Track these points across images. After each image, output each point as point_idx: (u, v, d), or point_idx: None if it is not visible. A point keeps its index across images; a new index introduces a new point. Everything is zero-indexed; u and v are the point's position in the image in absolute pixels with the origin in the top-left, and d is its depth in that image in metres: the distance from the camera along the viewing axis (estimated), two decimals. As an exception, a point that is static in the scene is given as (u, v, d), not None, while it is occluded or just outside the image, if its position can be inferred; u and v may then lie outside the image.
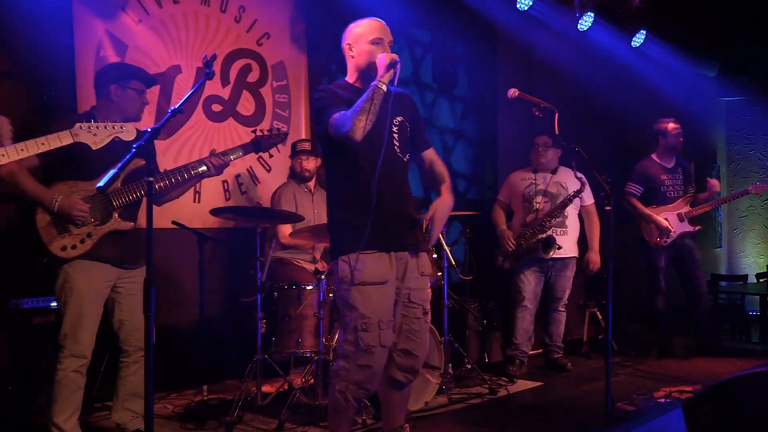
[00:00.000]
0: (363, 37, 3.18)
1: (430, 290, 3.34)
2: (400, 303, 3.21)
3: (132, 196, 3.55)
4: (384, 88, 3.00)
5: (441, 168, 3.37)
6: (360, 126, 2.94)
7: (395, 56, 3.05)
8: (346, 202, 3.15)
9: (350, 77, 3.26)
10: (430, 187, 3.41)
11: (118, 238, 3.59)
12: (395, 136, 3.19)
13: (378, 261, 3.10)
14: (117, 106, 3.64)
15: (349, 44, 3.22)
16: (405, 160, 3.24)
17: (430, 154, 3.40)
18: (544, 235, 5.36)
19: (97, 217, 3.52)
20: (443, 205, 3.22)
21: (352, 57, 3.22)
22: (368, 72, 3.15)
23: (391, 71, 3.01)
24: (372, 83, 3.00)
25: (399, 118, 3.22)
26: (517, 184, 5.60)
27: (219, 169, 3.76)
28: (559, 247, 5.37)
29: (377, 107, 2.97)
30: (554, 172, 5.54)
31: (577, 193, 5.35)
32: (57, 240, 3.45)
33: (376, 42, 3.16)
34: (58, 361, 3.49)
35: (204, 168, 3.70)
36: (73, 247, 3.46)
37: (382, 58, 3.04)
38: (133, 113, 3.67)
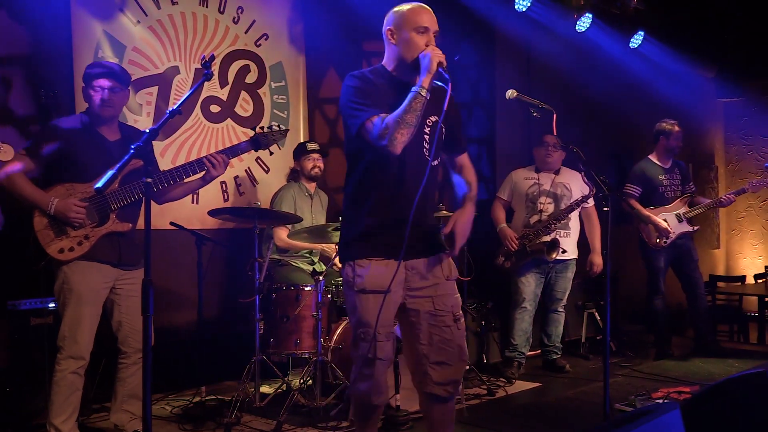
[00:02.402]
0: (407, 24, 2.86)
1: (458, 295, 3.03)
2: (424, 313, 2.93)
3: (130, 198, 3.54)
4: (426, 95, 2.73)
5: (471, 176, 3.13)
6: (401, 141, 2.71)
7: (442, 56, 2.77)
8: (361, 202, 2.92)
9: (388, 64, 2.96)
10: (453, 194, 3.12)
11: (117, 239, 3.59)
12: (425, 137, 2.92)
13: (383, 269, 2.84)
14: (90, 106, 3.64)
15: (390, 30, 2.91)
16: (434, 164, 2.94)
17: (463, 159, 3.15)
18: (548, 238, 5.35)
19: (95, 219, 3.52)
20: (464, 218, 2.97)
21: (394, 44, 2.90)
22: (410, 64, 2.86)
23: (435, 74, 2.76)
24: (414, 88, 2.74)
25: (433, 118, 2.92)
26: (520, 183, 5.58)
27: (219, 168, 3.71)
28: (564, 251, 5.37)
29: (419, 119, 2.74)
30: (557, 172, 5.54)
31: (585, 198, 5.35)
32: (55, 242, 3.45)
33: (422, 31, 2.86)
34: (57, 363, 3.50)
35: (203, 170, 3.68)
36: (71, 249, 3.46)
37: (428, 58, 2.77)
38: (97, 110, 3.60)
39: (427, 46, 2.84)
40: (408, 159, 2.85)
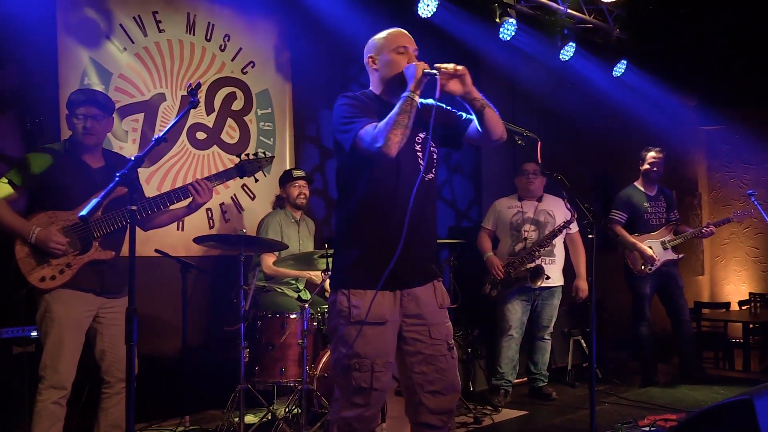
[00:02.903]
0: (386, 47, 2.95)
1: (450, 323, 3.01)
2: (420, 341, 2.89)
3: (113, 226, 3.51)
4: (416, 99, 2.76)
5: None
6: (395, 141, 2.69)
7: (425, 66, 2.81)
8: (356, 226, 2.90)
9: (375, 89, 3.02)
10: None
11: (99, 267, 3.55)
12: (418, 154, 2.93)
13: (380, 299, 2.81)
14: (73, 134, 3.63)
15: (371, 57, 2.98)
16: (428, 179, 2.93)
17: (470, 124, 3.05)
18: (532, 265, 5.36)
19: (77, 247, 3.48)
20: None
21: (376, 70, 2.98)
22: (394, 83, 2.91)
23: (422, 81, 2.78)
24: (403, 94, 2.76)
25: (421, 135, 2.95)
26: (503, 212, 5.60)
27: (204, 195, 3.69)
28: (548, 277, 5.38)
29: (411, 120, 2.74)
30: (540, 200, 5.57)
31: (568, 224, 5.37)
32: (36, 271, 3.41)
33: (401, 51, 2.93)
34: (38, 393, 3.44)
35: (188, 197, 3.65)
36: (53, 278, 3.43)
37: (411, 69, 2.81)
38: (80, 138, 3.58)
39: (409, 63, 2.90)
40: (402, 177, 2.84)
